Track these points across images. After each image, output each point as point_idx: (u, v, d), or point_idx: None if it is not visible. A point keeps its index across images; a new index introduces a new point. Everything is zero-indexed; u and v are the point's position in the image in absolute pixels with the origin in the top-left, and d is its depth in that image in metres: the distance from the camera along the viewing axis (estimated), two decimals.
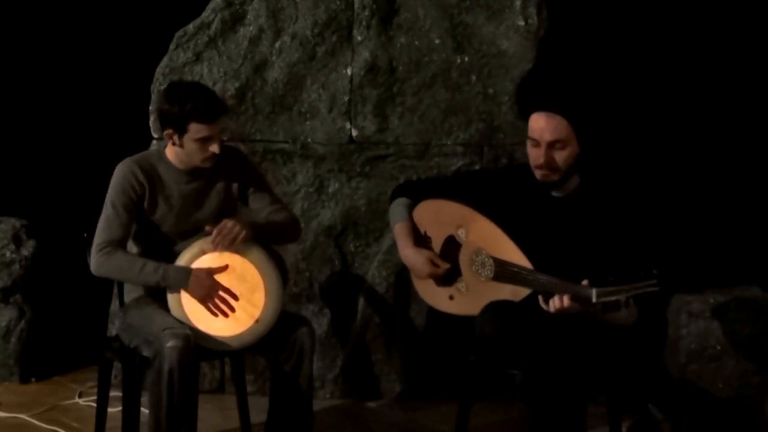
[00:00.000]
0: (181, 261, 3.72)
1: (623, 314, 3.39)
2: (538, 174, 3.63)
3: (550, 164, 3.59)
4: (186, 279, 3.68)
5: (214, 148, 3.72)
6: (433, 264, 3.73)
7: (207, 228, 3.73)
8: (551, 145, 3.57)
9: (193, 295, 3.68)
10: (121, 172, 3.77)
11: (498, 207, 3.66)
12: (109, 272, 3.74)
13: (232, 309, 3.71)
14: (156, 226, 3.78)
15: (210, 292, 3.69)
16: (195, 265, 3.71)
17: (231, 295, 3.71)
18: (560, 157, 3.59)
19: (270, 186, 4.03)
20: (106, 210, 3.74)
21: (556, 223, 3.64)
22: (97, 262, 3.71)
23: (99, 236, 3.73)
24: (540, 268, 3.49)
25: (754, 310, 4.35)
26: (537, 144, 3.60)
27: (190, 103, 3.66)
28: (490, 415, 4.45)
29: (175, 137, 3.72)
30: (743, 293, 4.41)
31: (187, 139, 3.71)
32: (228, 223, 3.70)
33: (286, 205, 4.04)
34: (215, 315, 3.70)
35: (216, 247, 3.70)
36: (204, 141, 3.71)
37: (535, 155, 3.61)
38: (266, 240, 3.84)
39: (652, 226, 3.68)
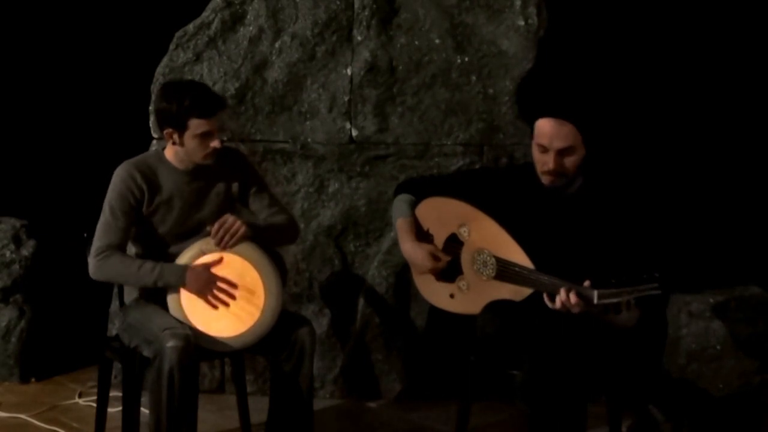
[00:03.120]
0: (181, 262, 3.72)
1: (624, 316, 3.37)
2: (545, 179, 3.60)
3: (558, 171, 3.57)
4: (183, 275, 3.67)
5: (215, 143, 3.72)
6: (434, 258, 3.71)
7: (208, 227, 3.73)
8: (561, 152, 3.55)
9: (190, 290, 3.67)
10: (119, 176, 3.76)
11: (501, 206, 3.65)
12: (107, 275, 3.73)
13: (233, 297, 3.70)
14: (156, 227, 3.78)
15: (207, 284, 3.68)
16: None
17: (230, 285, 3.70)
18: (569, 162, 3.56)
19: (269, 188, 4.03)
20: (104, 214, 3.74)
21: (558, 223, 3.63)
22: (94, 266, 3.71)
23: (97, 241, 3.72)
24: (542, 267, 3.48)
25: (754, 310, 4.35)
26: (545, 150, 3.56)
27: (188, 99, 3.65)
28: (490, 415, 4.44)
29: (175, 136, 3.71)
30: (743, 293, 4.41)
31: (188, 136, 3.70)
32: (229, 218, 3.71)
33: (285, 207, 4.03)
34: (215, 308, 3.69)
35: (218, 242, 3.70)
36: (204, 136, 3.70)
37: (543, 161, 3.58)
38: (265, 242, 3.83)
39: (655, 226, 3.67)
